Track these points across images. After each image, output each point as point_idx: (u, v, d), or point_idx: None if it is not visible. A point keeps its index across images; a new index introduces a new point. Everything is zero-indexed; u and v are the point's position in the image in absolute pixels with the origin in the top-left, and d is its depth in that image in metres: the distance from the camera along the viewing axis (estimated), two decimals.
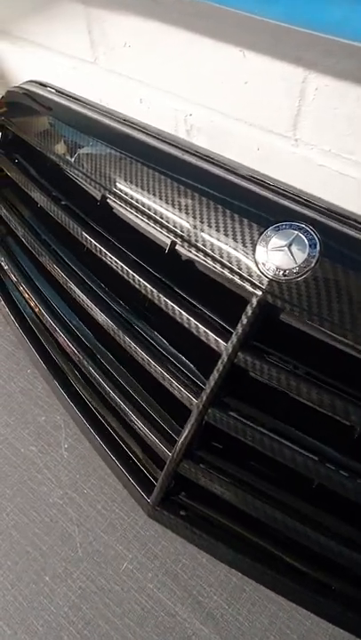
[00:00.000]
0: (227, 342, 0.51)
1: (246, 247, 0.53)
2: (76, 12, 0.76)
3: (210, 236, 0.57)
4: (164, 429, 0.61)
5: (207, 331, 0.54)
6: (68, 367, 0.80)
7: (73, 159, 0.75)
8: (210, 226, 0.57)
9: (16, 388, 0.88)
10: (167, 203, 0.62)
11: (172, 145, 0.69)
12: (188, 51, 0.65)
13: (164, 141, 0.69)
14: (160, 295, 0.60)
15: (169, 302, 0.59)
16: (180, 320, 0.57)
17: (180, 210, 0.60)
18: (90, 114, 0.79)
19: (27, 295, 0.85)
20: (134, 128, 0.74)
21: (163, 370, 0.59)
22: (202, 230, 0.58)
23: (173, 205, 0.61)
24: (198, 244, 0.57)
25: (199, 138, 0.75)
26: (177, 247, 0.60)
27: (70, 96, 0.86)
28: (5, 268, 0.91)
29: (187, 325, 0.56)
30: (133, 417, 0.64)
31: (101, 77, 0.83)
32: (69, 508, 0.76)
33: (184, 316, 0.57)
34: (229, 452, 0.59)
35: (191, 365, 0.61)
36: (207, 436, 0.58)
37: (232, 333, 0.52)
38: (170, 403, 0.60)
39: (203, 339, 0.55)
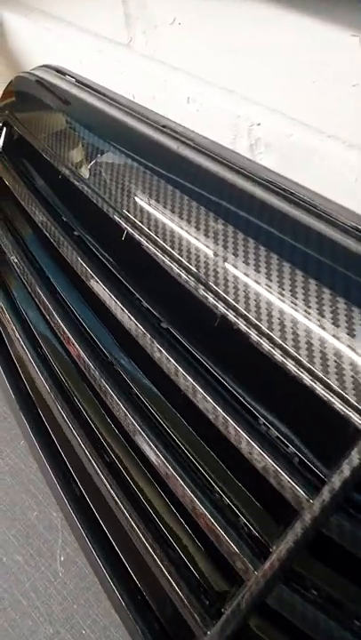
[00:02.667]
0: None
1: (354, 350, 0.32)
2: None
3: (294, 326, 0.36)
4: (244, 536, 0.40)
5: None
6: (73, 459, 0.60)
7: (90, 175, 0.54)
8: (296, 309, 0.36)
9: (4, 466, 0.68)
10: (228, 263, 0.40)
11: (237, 171, 0.47)
12: (269, 34, 0.44)
13: (226, 165, 0.48)
14: (226, 419, 0.39)
15: (241, 432, 0.38)
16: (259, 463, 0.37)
17: (245, 275, 0.39)
18: (118, 115, 0.58)
19: (22, 350, 0.65)
20: (178, 139, 0.53)
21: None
22: (281, 316, 0.36)
23: (236, 267, 0.39)
24: (273, 336, 0.36)
25: (267, 156, 0.53)
26: (238, 327, 0.39)
27: (94, 89, 0.65)
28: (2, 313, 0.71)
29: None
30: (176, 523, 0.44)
31: (136, 65, 0.62)
32: None
33: (268, 461, 0.37)
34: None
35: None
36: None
37: None
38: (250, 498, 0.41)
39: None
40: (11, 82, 0.75)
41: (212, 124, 0.59)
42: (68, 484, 0.59)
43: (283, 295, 0.37)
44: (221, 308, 0.40)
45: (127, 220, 0.49)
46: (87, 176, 0.55)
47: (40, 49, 0.79)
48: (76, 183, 0.56)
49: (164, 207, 0.47)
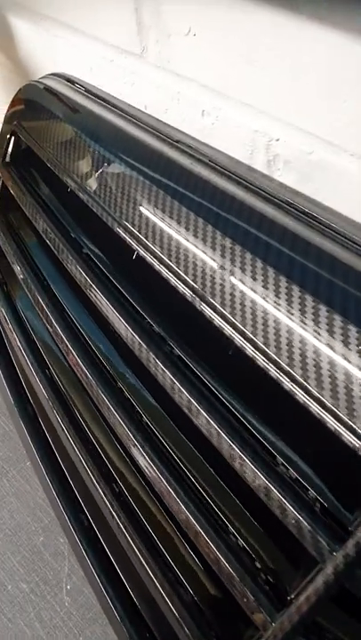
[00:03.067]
0: None
1: None
2: None
3: (317, 366, 0.33)
4: (261, 584, 0.37)
5: None
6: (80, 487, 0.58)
7: (97, 190, 0.52)
8: (320, 347, 0.33)
9: (9, 488, 0.66)
10: (246, 292, 0.38)
11: (255, 191, 0.44)
12: (294, 48, 0.41)
13: (243, 184, 0.45)
14: (243, 459, 0.36)
15: (258, 473, 0.36)
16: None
17: (267, 307, 0.36)
18: (129, 128, 0.56)
19: (28, 369, 0.63)
20: (192, 155, 0.50)
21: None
22: (303, 353, 0.34)
23: (256, 299, 0.37)
24: (294, 374, 0.34)
25: (286, 173, 0.50)
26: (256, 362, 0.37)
27: (104, 99, 0.62)
28: (5, 323, 0.70)
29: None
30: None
31: (149, 76, 0.59)
32: None
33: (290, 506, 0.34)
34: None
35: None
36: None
37: None
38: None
39: None
40: (20, 90, 0.73)
41: (229, 138, 0.56)
42: (75, 514, 0.57)
43: (305, 329, 0.34)
44: (238, 340, 0.37)
45: (137, 240, 0.47)
46: (94, 190, 0.53)
47: (50, 56, 0.77)
48: (83, 197, 0.54)
49: (176, 229, 0.45)
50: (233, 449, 0.37)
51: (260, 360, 0.35)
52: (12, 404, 0.67)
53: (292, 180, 0.53)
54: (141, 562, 0.46)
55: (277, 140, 0.51)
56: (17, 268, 0.65)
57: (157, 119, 0.67)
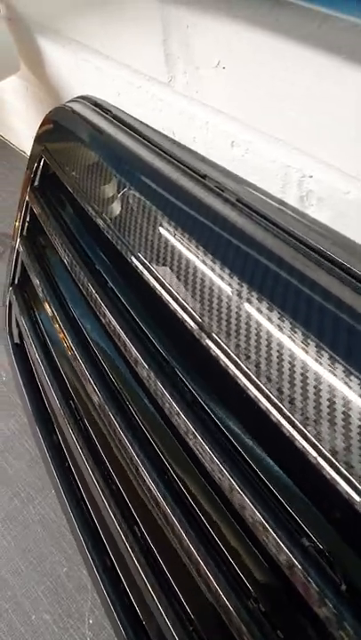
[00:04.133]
0: None
1: None
2: (148, 11, 0.50)
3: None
4: None
5: None
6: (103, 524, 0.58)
7: (119, 224, 0.51)
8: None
9: (35, 516, 0.67)
10: (278, 359, 0.36)
11: (287, 240, 0.42)
12: (329, 85, 0.39)
13: (273, 231, 0.43)
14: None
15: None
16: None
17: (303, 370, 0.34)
18: (155, 160, 0.54)
19: (54, 400, 0.63)
20: (220, 195, 0.48)
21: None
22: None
23: (291, 368, 0.35)
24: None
25: (319, 210, 0.48)
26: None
27: (132, 126, 0.61)
28: (32, 349, 0.70)
29: None
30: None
31: (177, 104, 0.57)
32: None
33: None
34: None
35: None
36: None
37: None
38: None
39: None
40: (49, 112, 0.73)
41: (259, 171, 0.54)
42: (98, 554, 0.57)
43: None
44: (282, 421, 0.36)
45: (156, 280, 0.46)
46: (115, 222, 0.52)
47: (78, 79, 0.76)
48: (104, 229, 0.53)
49: (193, 274, 0.43)
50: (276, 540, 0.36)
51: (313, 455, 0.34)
52: (38, 433, 0.68)
53: (326, 217, 0.50)
54: (160, 610, 0.46)
55: (311, 176, 0.48)
56: (41, 295, 0.65)
57: (186, 148, 0.65)
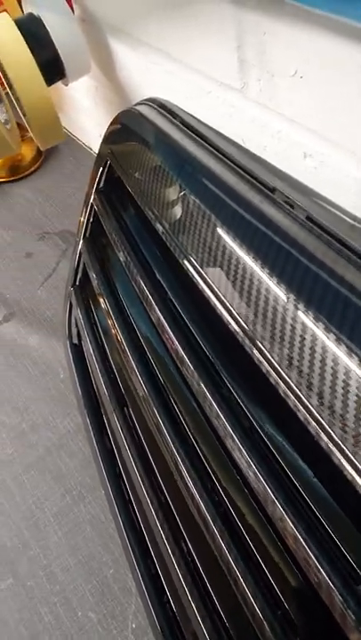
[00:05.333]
0: None
1: None
2: (222, 17, 0.49)
3: None
4: None
5: None
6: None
7: (182, 235, 0.50)
8: None
9: (85, 515, 0.69)
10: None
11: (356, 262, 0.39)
12: None
13: (344, 254, 0.40)
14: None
15: None
16: None
17: None
18: (223, 171, 0.52)
19: (108, 404, 0.64)
20: (290, 214, 0.46)
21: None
22: None
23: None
24: None
25: None
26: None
27: (200, 132, 0.59)
28: (88, 354, 0.71)
29: None
30: None
31: (248, 112, 0.55)
32: None
33: None
34: None
35: None
36: None
37: None
38: None
39: None
40: (117, 115, 0.73)
41: (332, 185, 0.51)
42: (144, 562, 0.57)
43: None
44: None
45: (217, 298, 0.44)
46: (176, 232, 0.51)
47: (147, 82, 0.75)
48: (166, 239, 0.52)
49: (261, 302, 0.42)
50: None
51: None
52: (91, 436, 0.69)
53: None
54: (200, 627, 0.45)
55: None
56: (100, 296, 0.65)
57: (256, 158, 0.63)
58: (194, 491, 0.45)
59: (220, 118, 0.63)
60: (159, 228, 0.54)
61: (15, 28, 0.66)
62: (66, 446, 0.76)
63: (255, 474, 0.39)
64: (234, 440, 0.41)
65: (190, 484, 0.45)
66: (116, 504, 0.62)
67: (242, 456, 0.40)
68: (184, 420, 0.51)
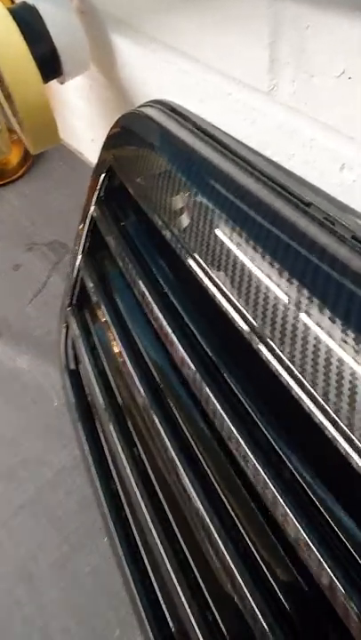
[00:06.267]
0: None
1: None
2: (253, 9, 0.42)
3: None
4: None
5: None
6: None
7: (193, 247, 0.43)
8: None
9: (85, 566, 0.61)
10: None
11: None
12: None
13: None
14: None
15: None
16: None
17: None
18: (247, 182, 0.46)
19: (113, 440, 0.56)
20: (335, 232, 0.40)
21: None
22: None
23: None
24: None
25: None
26: None
27: (216, 137, 0.53)
28: (89, 382, 0.63)
29: None
30: None
31: (276, 117, 0.49)
32: None
33: None
34: None
35: None
36: None
37: None
38: None
39: None
40: (120, 117, 0.66)
41: None
42: (158, 623, 0.50)
43: None
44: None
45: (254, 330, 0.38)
46: (192, 250, 0.44)
47: (155, 81, 0.68)
48: (177, 251, 0.45)
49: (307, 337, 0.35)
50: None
51: None
52: (93, 474, 0.61)
53: None
54: None
55: None
56: (102, 316, 0.58)
57: (281, 168, 0.56)
58: (219, 544, 0.39)
59: (239, 123, 0.57)
60: (179, 251, 0.46)
61: (9, 16, 0.58)
62: (62, 485, 0.68)
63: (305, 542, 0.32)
64: (273, 494, 0.34)
65: (214, 536, 0.39)
66: (122, 554, 0.54)
67: (291, 524, 0.34)
68: (206, 464, 0.44)
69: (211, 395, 0.40)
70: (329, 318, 0.32)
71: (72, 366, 0.71)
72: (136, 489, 0.50)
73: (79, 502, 0.66)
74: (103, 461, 0.61)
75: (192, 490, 0.41)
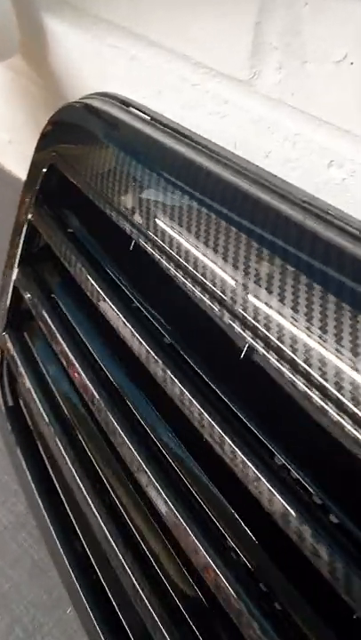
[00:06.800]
0: None
1: None
2: None
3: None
4: None
5: None
6: None
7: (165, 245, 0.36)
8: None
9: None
10: None
11: None
12: None
13: None
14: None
15: None
16: None
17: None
18: (228, 175, 0.40)
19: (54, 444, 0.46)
20: (352, 234, 0.35)
21: None
22: None
23: None
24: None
25: None
26: None
27: (172, 127, 0.46)
28: (36, 419, 0.52)
29: None
30: None
31: (254, 109, 0.44)
32: None
33: None
34: None
35: None
36: None
37: None
38: None
39: None
40: (56, 112, 0.57)
41: None
42: None
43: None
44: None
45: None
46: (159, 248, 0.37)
47: (97, 72, 0.60)
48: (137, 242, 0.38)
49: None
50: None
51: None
52: (51, 532, 0.50)
53: None
54: None
55: None
56: (53, 343, 0.48)
57: (254, 165, 0.52)
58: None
59: (206, 118, 0.51)
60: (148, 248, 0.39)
61: None
62: (5, 551, 0.55)
63: None
64: None
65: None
66: (98, 630, 0.44)
67: None
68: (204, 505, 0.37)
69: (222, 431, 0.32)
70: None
71: (10, 403, 0.59)
72: (118, 551, 0.41)
73: (29, 571, 0.53)
74: (63, 516, 0.50)
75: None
